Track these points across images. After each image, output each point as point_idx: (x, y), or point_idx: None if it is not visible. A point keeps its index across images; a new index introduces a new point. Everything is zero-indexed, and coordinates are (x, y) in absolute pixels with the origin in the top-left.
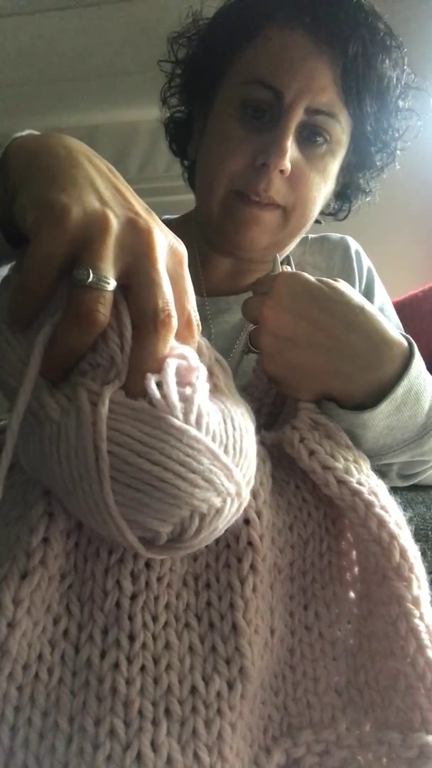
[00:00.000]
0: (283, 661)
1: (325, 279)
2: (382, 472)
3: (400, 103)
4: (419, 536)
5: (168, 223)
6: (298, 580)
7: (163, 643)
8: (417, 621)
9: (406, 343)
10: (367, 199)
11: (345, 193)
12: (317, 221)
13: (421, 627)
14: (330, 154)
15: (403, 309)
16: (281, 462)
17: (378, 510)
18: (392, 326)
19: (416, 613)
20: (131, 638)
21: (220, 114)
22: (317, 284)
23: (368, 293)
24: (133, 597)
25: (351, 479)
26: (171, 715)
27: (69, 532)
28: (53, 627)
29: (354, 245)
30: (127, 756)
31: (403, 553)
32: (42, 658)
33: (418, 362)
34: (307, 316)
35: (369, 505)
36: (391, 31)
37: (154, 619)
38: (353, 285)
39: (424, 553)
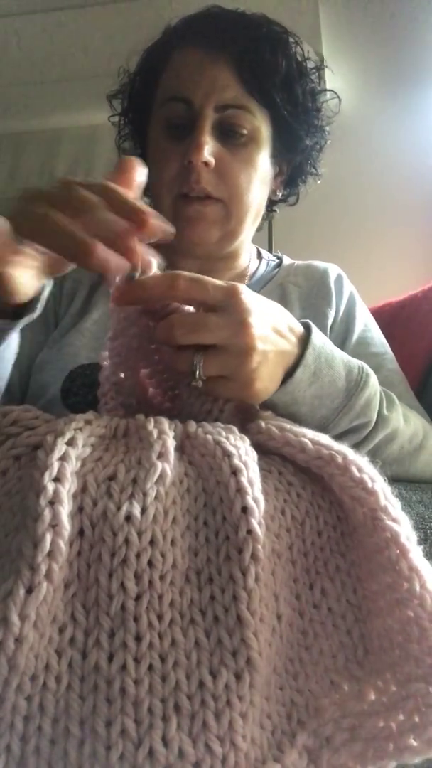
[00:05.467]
0: (297, 644)
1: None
2: None
3: (310, 85)
4: (419, 537)
5: None
6: (300, 562)
7: (169, 641)
8: (416, 557)
9: (302, 325)
10: (318, 182)
11: (293, 180)
12: (272, 210)
13: (421, 564)
14: (252, 143)
15: (403, 309)
16: (259, 455)
17: (354, 457)
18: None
19: (413, 548)
20: (138, 639)
21: (152, 138)
22: (257, 295)
23: (349, 315)
24: (138, 598)
25: (322, 440)
26: (180, 710)
27: (72, 541)
28: (59, 636)
29: (335, 271)
30: (139, 753)
31: (386, 494)
32: (49, 668)
33: (318, 335)
34: (273, 327)
35: (345, 455)
36: (276, 23)
37: (159, 617)
38: (330, 305)
39: (425, 553)
